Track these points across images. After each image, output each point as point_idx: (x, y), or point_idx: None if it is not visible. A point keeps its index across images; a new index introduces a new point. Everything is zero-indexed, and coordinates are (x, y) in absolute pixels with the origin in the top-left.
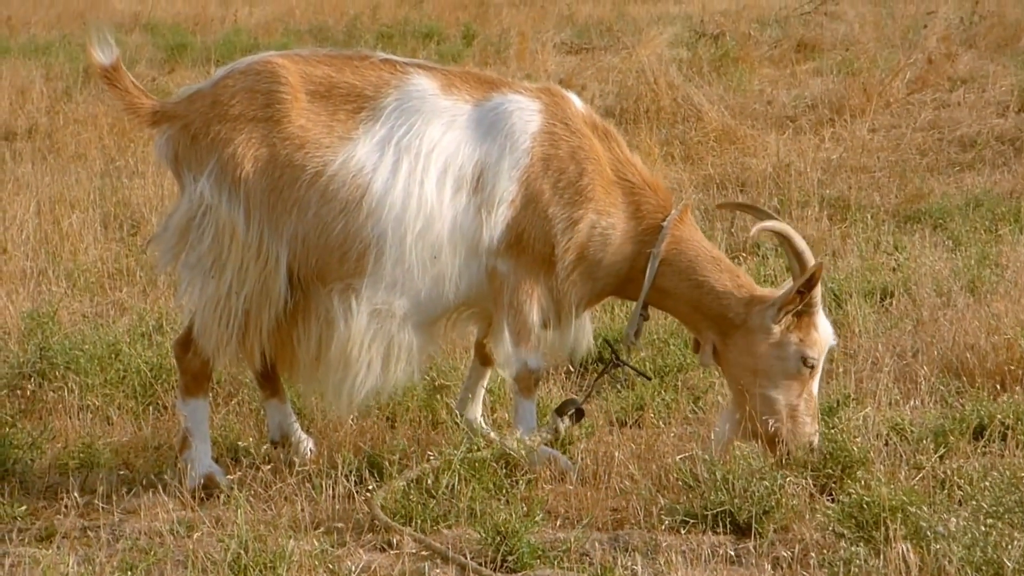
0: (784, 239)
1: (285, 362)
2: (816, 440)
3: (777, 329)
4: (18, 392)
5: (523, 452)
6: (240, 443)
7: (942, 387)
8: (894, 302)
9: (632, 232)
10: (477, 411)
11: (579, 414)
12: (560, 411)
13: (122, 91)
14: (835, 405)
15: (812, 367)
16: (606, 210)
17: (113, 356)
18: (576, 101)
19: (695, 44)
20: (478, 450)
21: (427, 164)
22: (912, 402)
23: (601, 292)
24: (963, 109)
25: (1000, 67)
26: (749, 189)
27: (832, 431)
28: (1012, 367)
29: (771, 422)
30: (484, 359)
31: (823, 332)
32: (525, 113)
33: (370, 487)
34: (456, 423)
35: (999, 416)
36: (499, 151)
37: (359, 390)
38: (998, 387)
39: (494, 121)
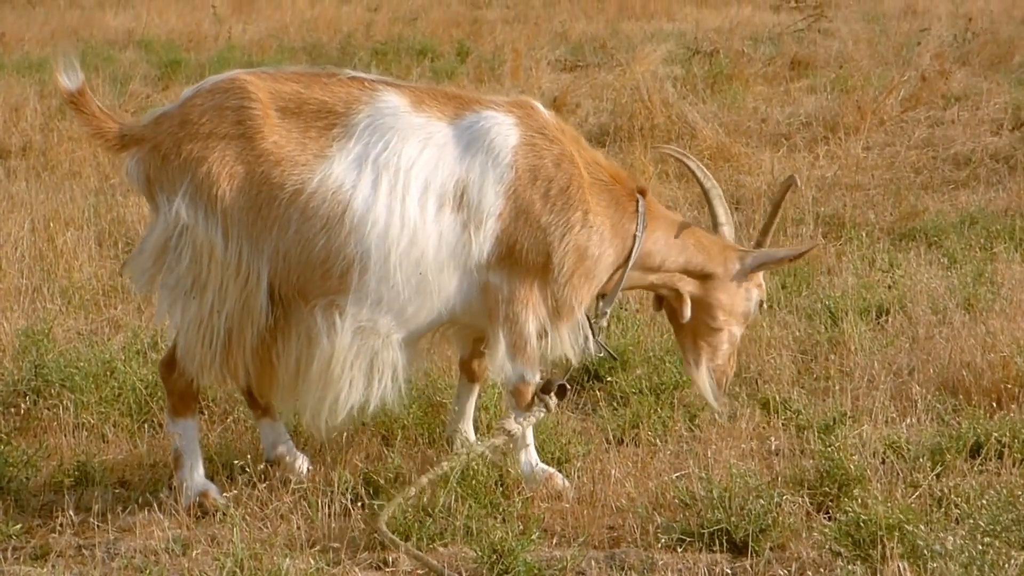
0: (783, 190)
1: (264, 380)
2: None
3: (749, 278)
4: (13, 410)
5: (521, 466)
6: (236, 461)
7: (938, 405)
8: (890, 320)
9: (617, 223)
10: (469, 429)
11: (561, 391)
12: (544, 390)
13: (88, 115)
14: (832, 423)
15: (762, 309)
16: (594, 209)
17: (108, 374)
18: (543, 110)
19: (689, 61)
20: (474, 468)
21: (407, 181)
22: (908, 420)
23: (597, 288)
24: (957, 127)
25: (994, 85)
26: (744, 207)
27: (829, 449)
28: (1008, 385)
29: (727, 356)
30: (471, 376)
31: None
32: (502, 128)
33: (374, 503)
34: (448, 446)
35: (995, 434)
36: (481, 167)
37: (341, 408)
38: (994, 405)
39: (472, 139)
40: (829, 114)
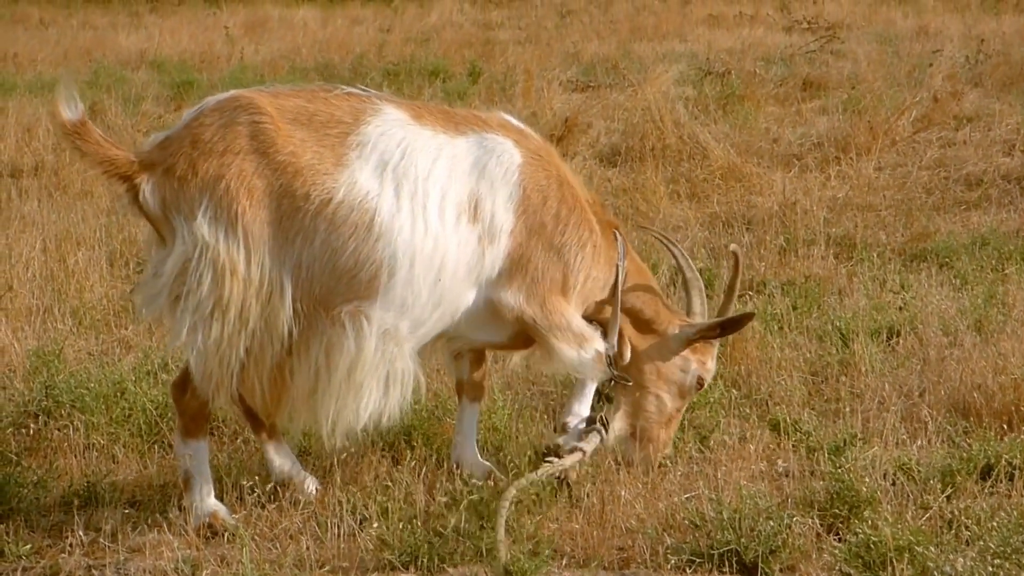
0: (735, 267)
1: (275, 397)
2: (667, 453)
3: (687, 348)
4: (23, 430)
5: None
6: (245, 482)
7: (949, 427)
8: (901, 341)
9: (608, 247)
10: (473, 449)
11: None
12: (591, 422)
13: (93, 146)
14: (842, 444)
15: (700, 388)
16: (594, 227)
17: (118, 394)
18: (528, 129)
19: (701, 82)
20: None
21: (426, 190)
22: (919, 442)
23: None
24: (969, 148)
25: (1006, 106)
26: (755, 227)
27: (839, 470)
28: (1019, 407)
29: (653, 422)
30: (473, 395)
31: (714, 364)
32: (504, 147)
33: (375, 524)
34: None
35: (1006, 456)
36: (490, 185)
37: (360, 417)
38: (1005, 427)
39: (479, 156)
40: (841, 134)
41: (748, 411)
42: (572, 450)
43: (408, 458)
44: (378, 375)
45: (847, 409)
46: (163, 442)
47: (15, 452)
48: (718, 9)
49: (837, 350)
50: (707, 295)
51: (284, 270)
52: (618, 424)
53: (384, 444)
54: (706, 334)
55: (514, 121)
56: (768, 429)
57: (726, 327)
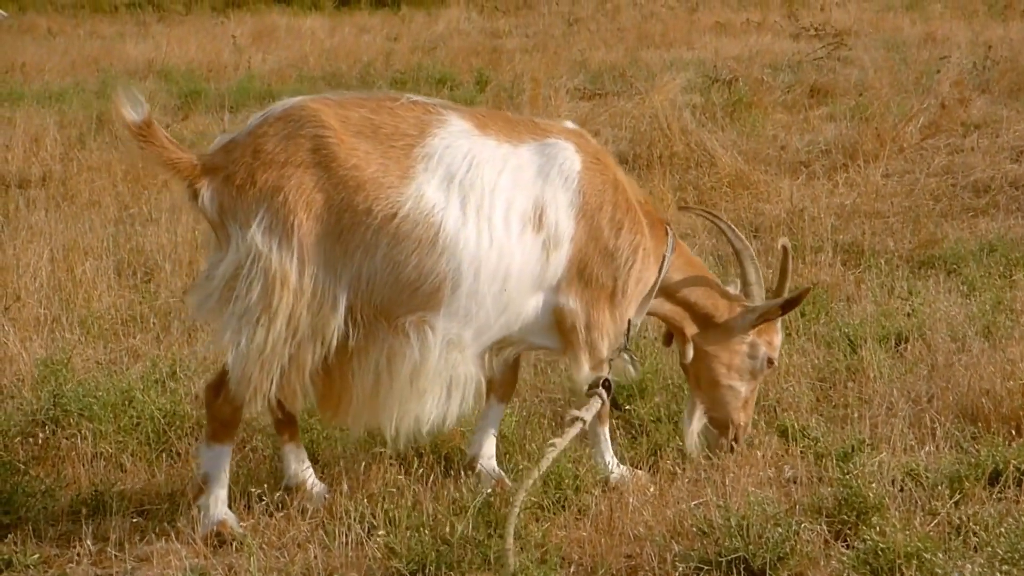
0: (784, 256)
1: (332, 400)
2: (748, 432)
3: (752, 332)
4: (31, 439)
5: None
6: (253, 489)
7: (957, 433)
8: (909, 347)
9: (656, 248)
10: (492, 454)
11: (607, 384)
12: (593, 385)
13: (159, 148)
14: (850, 450)
15: (771, 367)
16: (645, 232)
17: (126, 403)
18: (588, 136)
19: (708, 89)
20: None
21: (492, 201)
22: (927, 448)
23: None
24: (977, 154)
25: (1014, 112)
26: (763, 234)
27: (847, 477)
28: None
29: (732, 410)
30: (502, 395)
31: (781, 337)
32: (566, 153)
33: (382, 532)
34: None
35: (1014, 462)
36: (553, 191)
37: (424, 419)
38: (1013, 432)
39: (542, 163)
40: (848, 141)
41: (756, 417)
42: (572, 420)
43: (416, 466)
44: (441, 381)
45: (855, 415)
46: (171, 451)
47: (23, 461)
48: (725, 16)
49: (845, 356)
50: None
51: (340, 282)
52: (696, 424)
53: (392, 452)
54: (768, 316)
55: (571, 125)
56: (776, 435)
57: (786, 306)
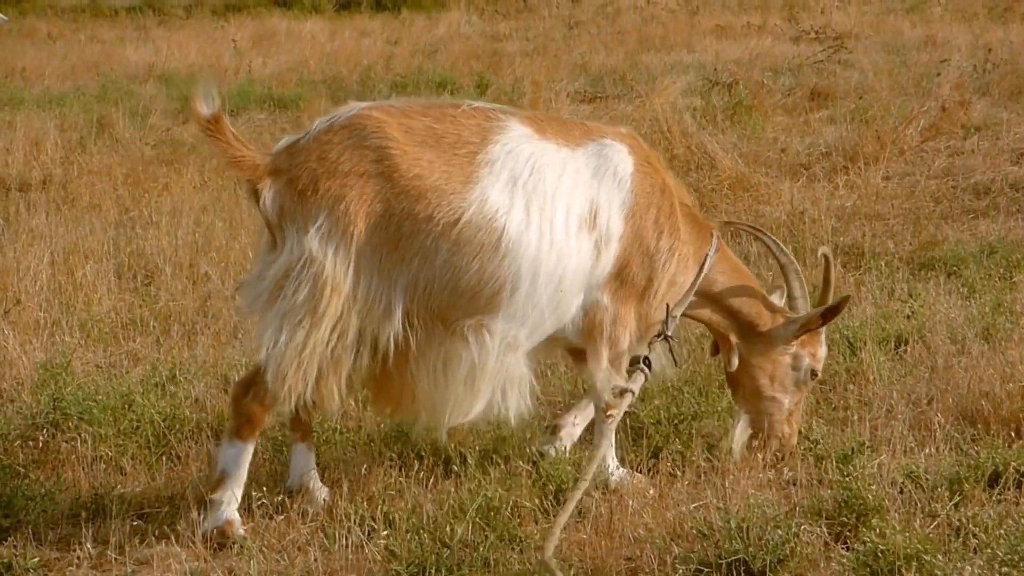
0: (826, 265)
1: (391, 400)
2: (794, 442)
3: (796, 342)
4: (31, 443)
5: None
6: (253, 492)
7: (957, 435)
8: (909, 349)
9: (697, 251)
10: (581, 424)
11: (648, 362)
12: (634, 362)
13: (224, 144)
14: (850, 453)
15: (815, 378)
16: (686, 238)
17: (126, 406)
18: (641, 140)
19: (708, 92)
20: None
21: (554, 204)
22: (927, 450)
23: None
24: (977, 157)
25: (1014, 115)
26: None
27: (847, 479)
28: None
29: (776, 422)
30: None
31: (825, 349)
32: (621, 155)
33: (382, 535)
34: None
35: (1014, 463)
36: (607, 192)
37: (473, 415)
38: (1013, 434)
39: (598, 164)
40: (849, 144)
41: None
42: (621, 393)
43: (416, 468)
44: (496, 382)
45: (855, 417)
46: (171, 454)
47: (23, 465)
48: (726, 20)
49: (845, 358)
50: None
51: (395, 289)
52: (740, 436)
53: (392, 454)
54: (809, 326)
55: (624, 130)
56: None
57: (827, 315)
